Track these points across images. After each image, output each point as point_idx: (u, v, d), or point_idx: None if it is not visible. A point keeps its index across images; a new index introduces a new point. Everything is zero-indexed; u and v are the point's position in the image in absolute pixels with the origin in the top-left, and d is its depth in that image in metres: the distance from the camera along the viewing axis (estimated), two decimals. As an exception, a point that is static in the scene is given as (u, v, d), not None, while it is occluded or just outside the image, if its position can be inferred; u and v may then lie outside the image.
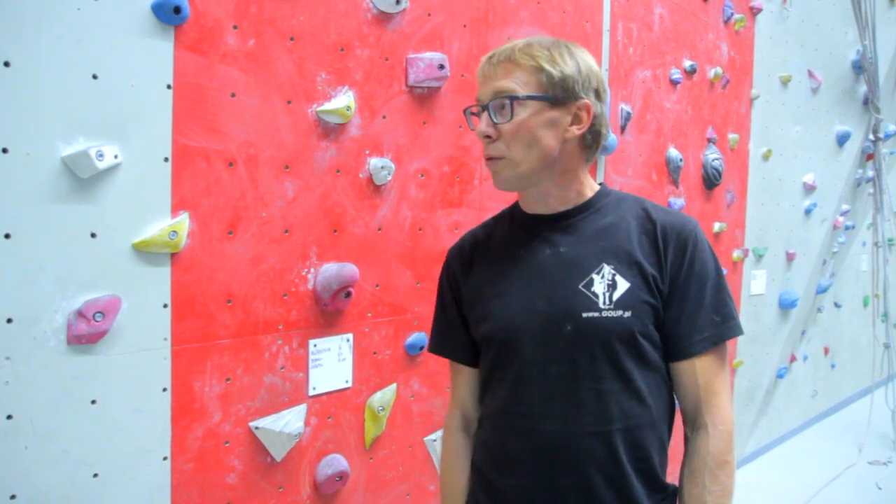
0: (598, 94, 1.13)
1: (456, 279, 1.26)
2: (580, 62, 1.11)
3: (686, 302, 1.11)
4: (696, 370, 1.11)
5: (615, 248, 1.12)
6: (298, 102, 1.66)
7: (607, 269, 1.10)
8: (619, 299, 1.08)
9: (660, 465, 1.14)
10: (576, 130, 1.11)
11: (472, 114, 1.14)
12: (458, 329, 1.26)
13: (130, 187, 1.39)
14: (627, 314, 1.08)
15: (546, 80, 1.08)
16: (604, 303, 1.08)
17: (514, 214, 1.24)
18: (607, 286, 1.09)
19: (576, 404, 1.09)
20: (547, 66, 1.08)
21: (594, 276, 1.10)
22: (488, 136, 1.10)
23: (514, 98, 1.08)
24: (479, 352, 1.25)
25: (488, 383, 1.21)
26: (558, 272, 1.13)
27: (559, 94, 1.09)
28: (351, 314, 1.82)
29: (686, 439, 1.15)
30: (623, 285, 1.09)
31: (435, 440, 2.06)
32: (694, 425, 1.13)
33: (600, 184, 1.21)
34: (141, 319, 1.42)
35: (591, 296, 1.09)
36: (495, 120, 1.09)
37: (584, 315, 1.08)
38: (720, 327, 1.12)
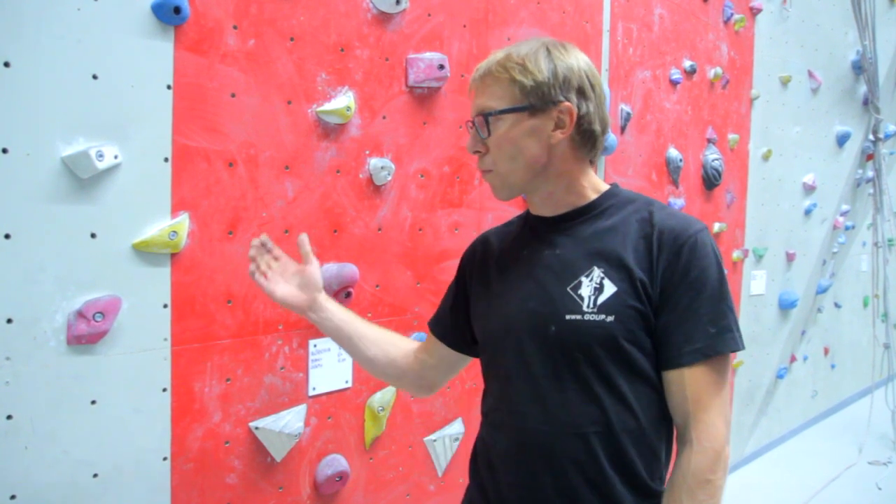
0: (582, 93, 1.10)
1: (465, 273, 1.30)
2: (557, 65, 1.09)
3: (678, 310, 1.07)
4: (685, 382, 1.07)
5: (608, 252, 1.10)
6: (298, 103, 1.66)
7: (597, 273, 1.09)
8: (603, 303, 1.07)
9: (647, 472, 1.10)
10: (560, 135, 1.10)
11: (470, 129, 1.16)
12: (448, 312, 1.33)
13: (130, 187, 1.39)
14: (610, 319, 1.06)
15: (520, 91, 1.08)
16: (588, 306, 1.07)
17: (527, 216, 1.25)
18: (594, 289, 1.08)
19: (560, 404, 1.09)
20: (519, 77, 1.08)
21: (583, 278, 1.09)
22: (477, 151, 1.14)
23: (488, 115, 1.10)
24: (457, 336, 1.32)
25: (486, 380, 1.24)
26: (551, 273, 1.13)
27: (535, 102, 1.08)
28: (351, 314, 1.82)
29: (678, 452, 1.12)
30: (609, 289, 1.07)
31: (435, 440, 2.06)
32: (682, 440, 1.09)
33: (612, 184, 1.20)
34: (141, 320, 1.42)
35: (577, 298, 1.08)
36: (480, 135, 1.12)
37: (567, 317, 1.08)
38: (714, 339, 1.06)
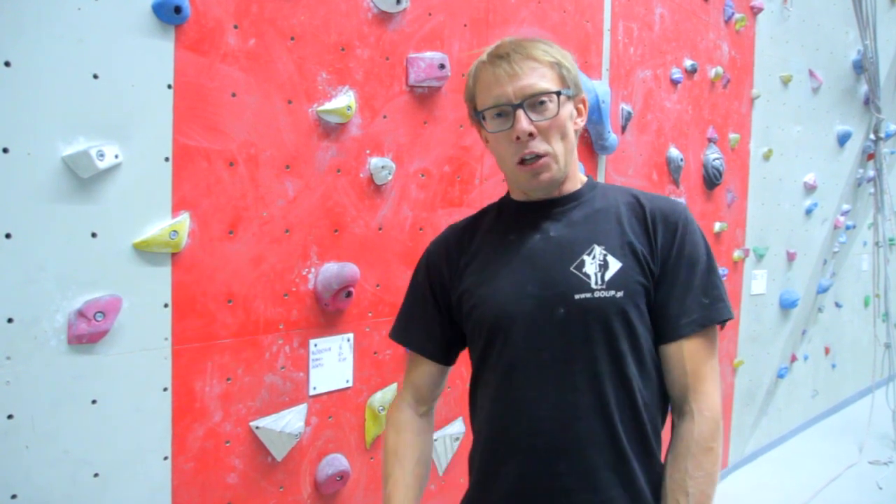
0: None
1: (439, 272, 1.24)
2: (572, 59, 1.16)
3: (676, 284, 1.11)
4: (684, 354, 1.11)
5: (606, 230, 1.13)
6: (299, 102, 1.66)
7: (598, 250, 1.10)
8: (611, 279, 1.08)
9: (656, 446, 1.14)
10: (580, 122, 1.16)
11: (499, 115, 1.10)
12: (427, 321, 1.25)
13: (131, 187, 1.39)
14: (620, 294, 1.08)
15: (565, 75, 1.12)
16: (596, 283, 1.08)
17: (502, 205, 1.25)
18: (599, 266, 1.09)
19: (570, 388, 1.08)
20: (563, 61, 1.12)
21: (585, 257, 1.10)
22: (530, 134, 1.08)
23: (560, 93, 1.09)
24: (442, 347, 1.25)
25: (479, 371, 1.20)
26: (549, 256, 1.12)
27: (572, 87, 1.13)
28: (351, 314, 1.82)
29: (673, 425, 1.14)
30: (615, 265, 1.09)
31: (436, 440, 2.06)
32: (681, 411, 1.12)
33: (587, 176, 1.23)
34: (141, 319, 1.42)
35: (583, 276, 1.09)
36: (533, 117, 1.08)
37: (577, 296, 1.08)
38: (708, 310, 1.11)
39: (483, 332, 1.16)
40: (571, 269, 1.10)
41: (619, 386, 1.09)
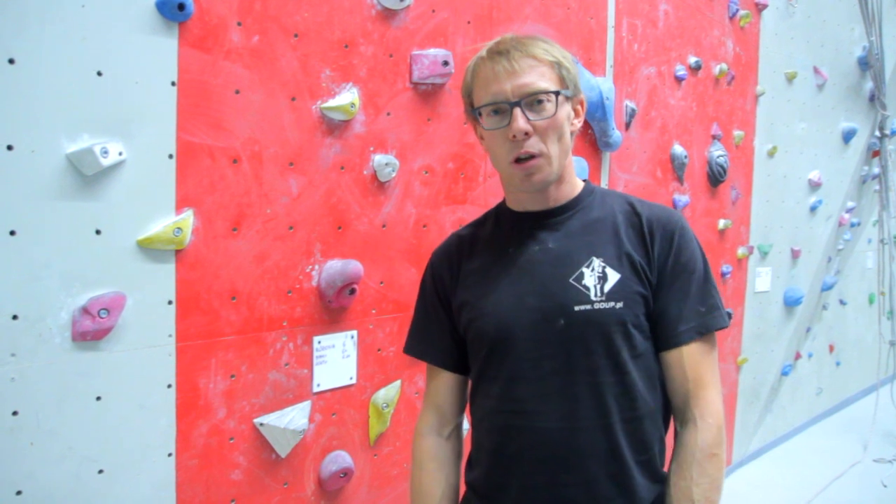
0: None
1: (443, 281, 1.24)
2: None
3: (673, 292, 1.11)
4: (684, 361, 1.11)
5: (604, 242, 1.12)
6: (303, 99, 1.66)
7: (597, 262, 1.10)
8: (610, 291, 1.08)
9: (659, 456, 1.14)
10: (577, 124, 1.15)
11: (496, 112, 1.09)
12: (441, 332, 1.24)
13: (135, 184, 1.39)
14: (619, 305, 1.08)
15: (565, 75, 1.10)
16: (595, 295, 1.08)
17: (500, 214, 1.24)
18: (598, 278, 1.09)
19: (571, 399, 1.08)
20: (563, 61, 1.10)
21: (584, 269, 1.10)
22: (526, 133, 1.07)
23: (558, 93, 1.08)
24: (460, 356, 1.23)
25: (479, 383, 1.19)
26: (548, 267, 1.12)
27: (571, 88, 1.12)
28: (355, 311, 1.82)
29: (676, 433, 1.15)
30: (613, 277, 1.09)
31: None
32: (683, 418, 1.12)
33: (584, 181, 1.22)
34: (146, 316, 1.42)
35: (583, 289, 1.09)
36: (530, 117, 1.07)
37: (577, 308, 1.08)
38: (705, 317, 1.12)
39: (484, 344, 1.15)
40: (570, 280, 1.10)
41: (621, 396, 1.08)
